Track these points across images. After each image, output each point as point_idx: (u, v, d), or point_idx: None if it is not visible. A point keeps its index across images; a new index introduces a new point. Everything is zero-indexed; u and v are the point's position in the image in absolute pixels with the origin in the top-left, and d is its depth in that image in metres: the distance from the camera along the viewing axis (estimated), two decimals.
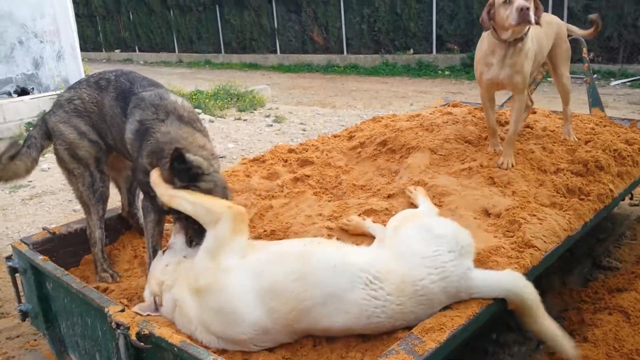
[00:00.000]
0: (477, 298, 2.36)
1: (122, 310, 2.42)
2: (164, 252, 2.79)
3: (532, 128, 4.35)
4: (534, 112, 4.94)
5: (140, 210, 3.40)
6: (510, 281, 2.41)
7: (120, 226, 3.66)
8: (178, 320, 2.46)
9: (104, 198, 3.29)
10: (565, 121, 4.23)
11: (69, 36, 11.39)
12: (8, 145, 3.23)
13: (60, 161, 3.25)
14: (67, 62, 11.39)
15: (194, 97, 12.07)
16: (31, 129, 3.32)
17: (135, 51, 26.10)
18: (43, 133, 3.24)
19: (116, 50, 26.99)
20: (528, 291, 2.40)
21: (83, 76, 11.52)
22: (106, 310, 2.42)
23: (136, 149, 2.87)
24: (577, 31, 4.49)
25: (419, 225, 2.51)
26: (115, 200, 3.62)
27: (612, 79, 12.60)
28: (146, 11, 24.71)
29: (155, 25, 24.69)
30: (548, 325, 2.45)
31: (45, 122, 3.25)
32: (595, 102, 5.09)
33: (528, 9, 3.22)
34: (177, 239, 2.79)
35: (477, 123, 4.38)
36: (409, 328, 2.25)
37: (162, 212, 2.86)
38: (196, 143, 2.84)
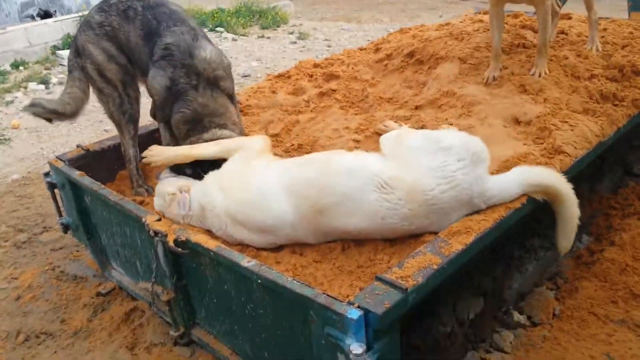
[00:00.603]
0: (498, 204, 2.37)
1: (159, 220, 2.52)
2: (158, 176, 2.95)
3: (566, 34, 4.17)
4: (569, 18, 4.71)
5: None
6: (523, 174, 2.40)
7: (152, 142, 3.72)
8: (208, 221, 2.59)
9: (133, 119, 3.36)
10: (590, 28, 3.97)
11: None
12: (38, 103, 3.30)
13: (90, 79, 3.29)
14: None
15: (215, 15, 11.81)
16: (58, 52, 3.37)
17: None
18: (74, 51, 3.28)
19: None
20: (546, 177, 2.41)
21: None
22: (144, 219, 2.53)
23: (165, 102, 3.01)
24: None
25: (424, 136, 2.50)
26: (146, 118, 3.68)
27: None
28: None
29: None
30: (570, 212, 2.48)
31: (75, 39, 3.27)
32: (635, 5, 4.84)
33: None
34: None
35: (509, 30, 4.22)
36: (435, 233, 2.30)
37: None
38: (232, 119, 3.00)
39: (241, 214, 2.49)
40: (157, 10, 3.13)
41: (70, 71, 3.31)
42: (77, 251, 3.85)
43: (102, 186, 2.94)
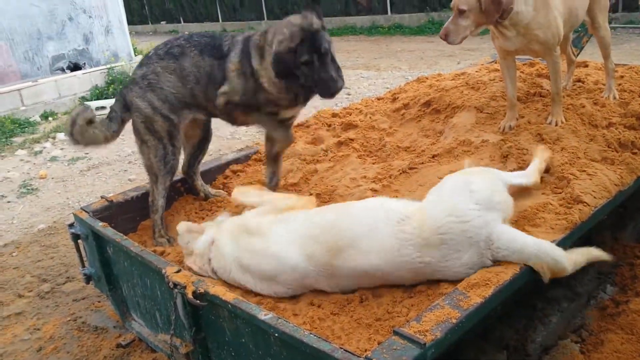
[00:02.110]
0: (505, 260, 2.33)
1: (179, 271, 2.54)
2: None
3: (583, 82, 4.20)
4: (586, 66, 4.76)
5: (198, 174, 3.78)
6: (539, 245, 2.35)
7: (174, 193, 3.80)
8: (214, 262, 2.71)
9: (173, 170, 3.47)
10: (606, 77, 3.99)
11: (116, 10, 11.62)
12: (81, 109, 3.45)
13: (136, 132, 3.45)
14: (116, 36, 11.65)
15: None
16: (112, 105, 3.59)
17: (180, 22, 26.33)
18: (122, 106, 3.43)
19: (162, 22, 27.30)
20: (557, 260, 2.33)
21: (131, 49, 11.80)
22: (164, 271, 2.55)
23: (245, 56, 3.19)
24: None
25: (459, 178, 2.57)
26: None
27: None
28: None
29: None
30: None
31: (124, 96, 3.43)
32: None
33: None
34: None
35: (525, 79, 4.27)
36: (454, 284, 2.28)
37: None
38: None
39: (255, 265, 2.56)
40: (199, 34, 3.43)
41: (109, 118, 3.46)
42: (99, 302, 3.89)
43: (124, 237, 2.99)
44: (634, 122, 3.45)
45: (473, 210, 2.35)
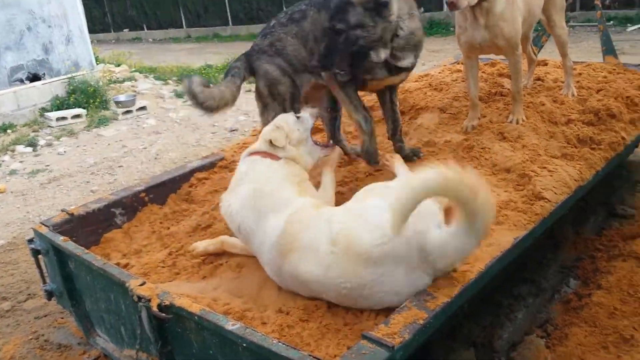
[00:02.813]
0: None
1: (143, 284, 2.49)
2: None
3: (542, 80, 4.29)
4: (545, 64, 4.85)
5: (345, 140, 3.76)
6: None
7: (137, 204, 3.73)
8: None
9: None
10: (565, 75, 4.08)
11: (77, 19, 11.39)
12: (187, 79, 3.34)
13: (259, 96, 3.45)
14: (77, 45, 11.41)
15: (203, 72, 12.05)
16: (232, 62, 3.55)
17: (143, 29, 25.99)
18: (246, 67, 3.41)
19: (124, 30, 26.90)
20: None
21: (93, 58, 11.58)
22: (127, 284, 2.50)
23: None
24: None
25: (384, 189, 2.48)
26: (128, 179, 3.69)
27: (629, 25, 12.25)
28: None
29: (162, 2, 24.49)
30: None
31: (250, 62, 3.41)
32: (609, 50, 4.98)
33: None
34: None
35: (487, 79, 4.34)
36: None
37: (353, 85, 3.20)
38: None
39: None
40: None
41: (230, 74, 3.41)
42: (62, 318, 3.79)
43: (86, 251, 2.92)
44: (592, 118, 3.54)
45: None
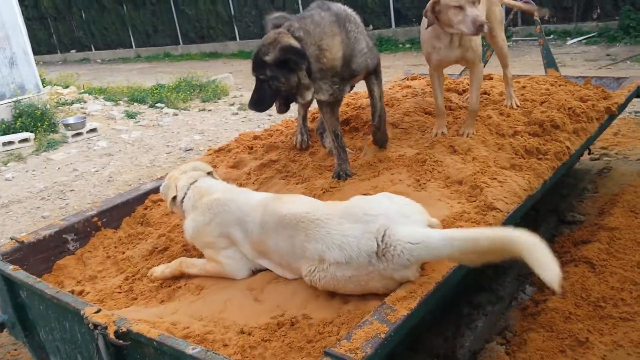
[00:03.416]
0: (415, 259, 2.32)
1: (98, 311, 2.42)
2: None
3: (488, 94, 4.43)
4: (491, 78, 5.03)
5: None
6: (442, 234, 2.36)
7: (90, 229, 3.64)
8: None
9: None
10: (505, 85, 4.26)
11: (20, 41, 11.06)
12: None
13: None
14: (21, 68, 11.07)
15: (155, 91, 11.90)
16: None
17: (91, 50, 25.50)
18: None
19: (72, 51, 26.32)
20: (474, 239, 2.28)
21: (39, 80, 11.26)
22: (82, 312, 2.43)
23: None
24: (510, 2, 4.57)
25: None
26: (81, 203, 3.60)
27: (568, 38, 12.81)
28: (98, 8, 24.09)
29: (109, 22, 24.11)
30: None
31: None
32: (550, 63, 5.20)
33: (483, 24, 3.21)
34: None
35: None
36: (381, 299, 2.31)
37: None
38: None
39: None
40: None
41: None
42: (15, 349, 3.64)
43: (38, 279, 2.82)
44: (537, 129, 3.67)
45: (382, 205, 2.44)
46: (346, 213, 2.45)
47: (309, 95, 3.26)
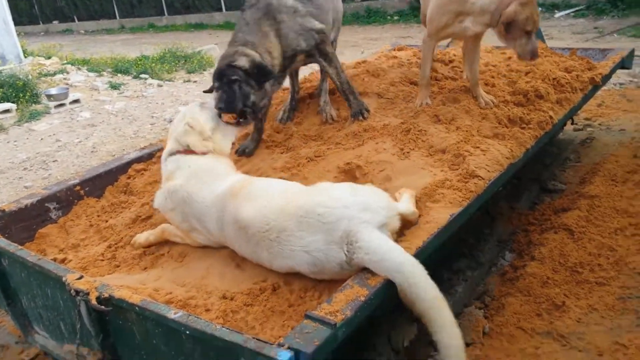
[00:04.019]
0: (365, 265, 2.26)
1: (80, 278, 2.43)
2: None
3: None
4: None
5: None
6: (399, 261, 2.22)
7: (73, 197, 3.62)
8: None
9: None
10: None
11: (0, 11, 10.83)
12: None
13: None
14: (1, 38, 10.86)
15: (139, 62, 11.73)
16: None
17: (74, 21, 24.99)
18: None
19: (54, 22, 25.78)
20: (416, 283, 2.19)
21: (20, 51, 11.05)
22: (64, 279, 2.43)
23: None
24: None
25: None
26: (64, 173, 3.57)
27: (556, 11, 12.77)
28: None
29: None
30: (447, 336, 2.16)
31: None
32: (537, 34, 5.18)
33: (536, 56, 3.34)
34: None
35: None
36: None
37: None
38: None
39: None
40: None
41: None
42: None
43: (20, 247, 2.81)
44: (521, 99, 3.68)
45: (341, 201, 2.33)
46: (304, 223, 2.31)
47: (266, 102, 3.42)
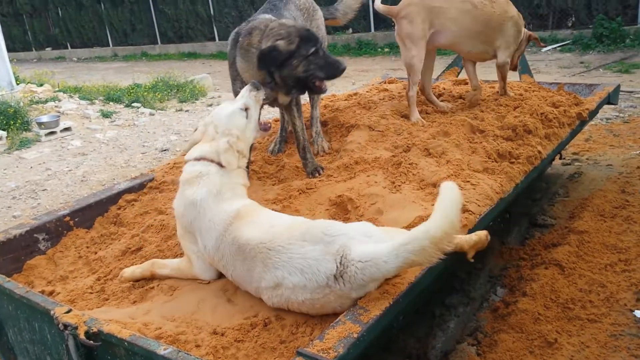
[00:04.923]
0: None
1: (69, 311, 2.39)
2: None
3: (464, 98, 4.49)
4: (466, 83, 5.09)
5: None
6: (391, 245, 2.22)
7: (62, 228, 3.59)
8: None
9: None
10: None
11: None
12: None
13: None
14: None
15: (131, 91, 11.78)
16: None
17: (67, 48, 25.14)
18: None
19: (47, 49, 25.91)
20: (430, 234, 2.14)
21: (12, 78, 11.07)
22: (52, 312, 2.39)
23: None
24: None
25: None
26: (53, 202, 3.55)
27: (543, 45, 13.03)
28: (75, 6, 23.78)
29: (86, 19, 23.82)
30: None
31: None
32: (524, 69, 5.29)
33: None
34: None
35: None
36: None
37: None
38: None
39: None
40: None
41: None
42: None
43: (7, 279, 2.78)
44: (510, 134, 3.73)
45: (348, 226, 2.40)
46: (308, 234, 2.37)
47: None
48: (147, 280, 2.95)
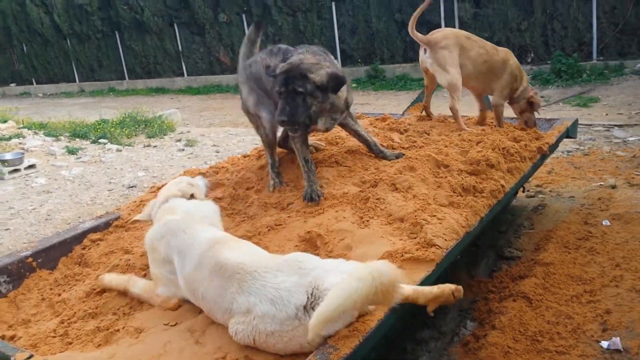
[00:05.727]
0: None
1: (30, 357, 2.33)
2: None
3: (429, 134, 4.59)
4: (430, 119, 5.22)
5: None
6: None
7: (24, 270, 3.49)
8: None
9: None
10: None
11: None
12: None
13: None
14: None
15: (98, 127, 11.66)
16: None
17: (32, 84, 24.86)
18: None
19: (11, 85, 25.57)
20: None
21: None
22: (13, 358, 2.33)
23: None
24: None
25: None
26: (16, 242, 3.46)
27: None
28: (41, 42, 23.62)
29: (52, 55, 23.66)
30: None
31: None
32: (489, 105, 5.44)
33: None
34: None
35: (378, 133, 4.58)
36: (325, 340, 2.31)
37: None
38: None
39: None
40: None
41: None
42: None
43: None
44: (473, 168, 3.81)
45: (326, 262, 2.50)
46: (285, 265, 2.43)
47: (324, 122, 3.56)
48: (113, 322, 2.88)
